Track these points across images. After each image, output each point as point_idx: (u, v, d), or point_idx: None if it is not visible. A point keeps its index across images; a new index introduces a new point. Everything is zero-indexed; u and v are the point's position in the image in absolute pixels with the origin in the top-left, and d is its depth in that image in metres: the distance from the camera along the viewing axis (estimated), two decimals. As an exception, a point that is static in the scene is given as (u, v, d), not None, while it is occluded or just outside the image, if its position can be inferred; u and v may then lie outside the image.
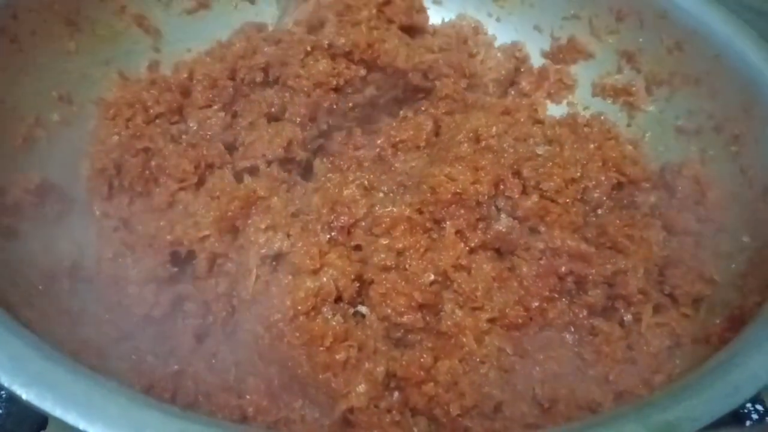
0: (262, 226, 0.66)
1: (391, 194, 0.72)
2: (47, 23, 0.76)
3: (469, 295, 0.65)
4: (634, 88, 0.89)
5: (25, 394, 0.42)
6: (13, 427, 0.69)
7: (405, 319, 0.63)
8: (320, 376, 0.59)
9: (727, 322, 0.64)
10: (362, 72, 0.78)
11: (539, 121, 0.83)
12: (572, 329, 0.67)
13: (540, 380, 0.61)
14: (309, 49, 0.78)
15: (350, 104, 0.81)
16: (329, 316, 0.61)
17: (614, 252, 0.70)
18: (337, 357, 0.59)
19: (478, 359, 0.62)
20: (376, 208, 0.68)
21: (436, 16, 0.96)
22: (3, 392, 0.72)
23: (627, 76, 0.90)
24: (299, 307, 0.61)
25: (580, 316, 0.67)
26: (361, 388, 0.58)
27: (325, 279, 0.63)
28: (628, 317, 0.68)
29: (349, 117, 0.82)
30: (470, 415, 0.59)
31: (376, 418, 0.58)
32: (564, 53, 0.93)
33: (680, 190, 0.77)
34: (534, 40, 0.95)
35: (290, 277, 0.63)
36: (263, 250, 0.65)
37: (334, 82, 0.78)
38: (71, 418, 0.41)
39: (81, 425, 0.41)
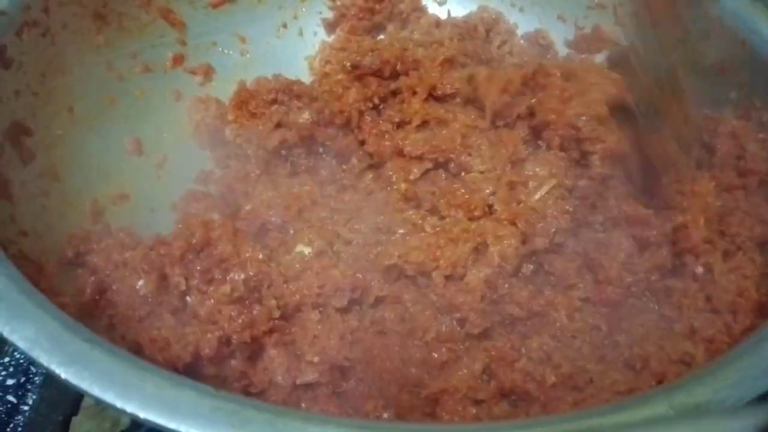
0: None
1: None
2: (77, 17, 0.78)
3: (561, 274, 0.66)
4: (659, 77, 0.88)
5: (63, 373, 0.43)
6: (47, 411, 0.71)
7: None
8: (413, 370, 0.59)
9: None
10: None
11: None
12: (648, 294, 0.67)
13: (628, 345, 0.61)
14: None
15: None
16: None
17: (669, 211, 0.70)
18: (435, 355, 0.59)
19: (569, 334, 0.63)
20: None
21: (458, 8, 0.96)
22: (36, 378, 0.73)
23: (652, 65, 0.89)
24: None
25: (653, 278, 0.67)
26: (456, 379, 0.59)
27: None
28: (699, 269, 0.67)
29: None
30: (564, 386, 0.59)
31: (461, 407, 0.58)
32: (588, 43, 0.92)
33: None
34: (558, 29, 0.94)
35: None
36: None
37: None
38: (108, 397, 0.42)
39: (118, 404, 0.42)
